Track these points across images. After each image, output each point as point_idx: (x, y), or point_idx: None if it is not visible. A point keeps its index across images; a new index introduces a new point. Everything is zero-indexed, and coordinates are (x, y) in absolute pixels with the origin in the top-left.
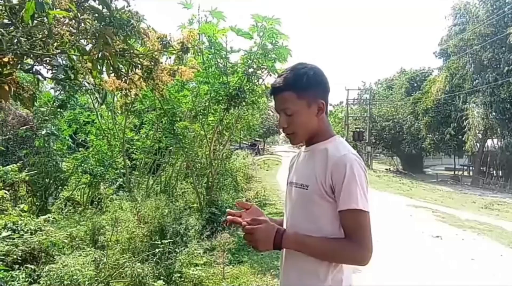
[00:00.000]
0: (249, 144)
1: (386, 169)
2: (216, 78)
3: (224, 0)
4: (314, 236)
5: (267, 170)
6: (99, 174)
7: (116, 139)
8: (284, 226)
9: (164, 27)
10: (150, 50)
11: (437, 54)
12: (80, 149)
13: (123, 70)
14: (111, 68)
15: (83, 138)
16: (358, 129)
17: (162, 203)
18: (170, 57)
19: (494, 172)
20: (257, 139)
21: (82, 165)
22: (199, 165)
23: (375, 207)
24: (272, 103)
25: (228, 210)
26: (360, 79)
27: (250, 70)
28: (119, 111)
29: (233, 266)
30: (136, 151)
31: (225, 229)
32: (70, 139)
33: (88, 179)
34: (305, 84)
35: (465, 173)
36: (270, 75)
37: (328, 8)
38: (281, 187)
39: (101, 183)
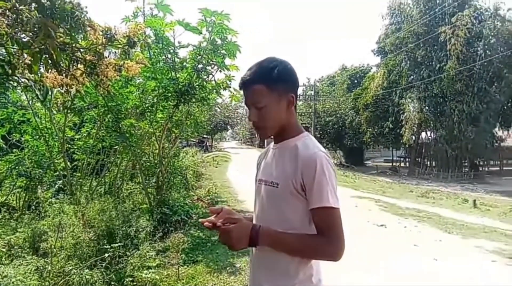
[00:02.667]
0: (197, 141)
1: None
2: (164, 74)
3: None
4: (287, 232)
5: (216, 167)
6: (36, 177)
7: (54, 139)
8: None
9: (106, 21)
10: (93, 44)
11: (375, 52)
12: (14, 150)
13: (64, 65)
14: (50, 63)
15: (17, 139)
16: (304, 125)
17: (109, 205)
18: (115, 52)
19: (428, 162)
20: (205, 136)
21: (17, 167)
22: (148, 163)
23: None
24: (221, 100)
25: (201, 220)
26: (305, 76)
27: (200, 66)
28: (57, 109)
29: (187, 266)
30: (77, 151)
31: (178, 229)
32: (2, 140)
33: (24, 182)
34: (276, 77)
35: (402, 164)
36: (220, 71)
37: (270, 4)
38: (231, 184)
39: (39, 186)
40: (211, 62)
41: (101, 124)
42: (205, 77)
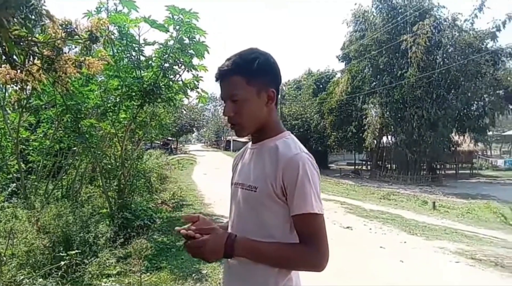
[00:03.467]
0: (161, 143)
1: None
2: (128, 72)
3: None
4: (266, 241)
5: (181, 170)
6: None
7: (8, 140)
8: (229, 231)
9: (66, 16)
10: (52, 38)
11: (340, 58)
12: None
13: (19, 60)
14: (3, 57)
15: None
16: None
17: (67, 209)
18: (75, 47)
19: (389, 165)
20: (170, 138)
21: None
22: (109, 166)
23: None
24: (187, 101)
25: (176, 228)
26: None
27: (166, 65)
28: (12, 108)
29: (150, 273)
30: (32, 153)
31: (140, 234)
32: None
33: None
34: (256, 70)
35: (364, 167)
36: (188, 71)
37: (240, 8)
38: (197, 187)
39: None
40: (178, 61)
41: (59, 125)
42: (171, 77)
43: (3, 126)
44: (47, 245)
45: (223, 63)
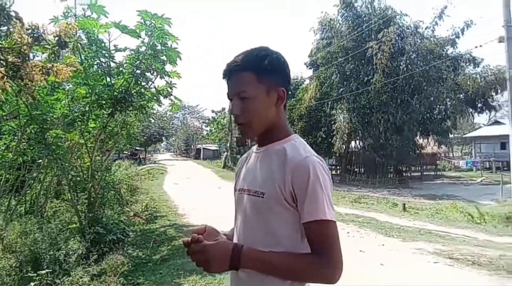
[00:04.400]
0: (129, 153)
1: None
2: (98, 79)
3: None
4: (275, 251)
5: (152, 180)
6: None
7: None
8: (235, 240)
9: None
10: (17, 43)
11: (308, 65)
12: None
13: None
14: None
15: None
16: (241, 135)
17: (34, 226)
18: (42, 54)
19: (358, 169)
20: (138, 148)
21: None
22: (78, 178)
23: None
24: (159, 109)
25: (183, 240)
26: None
27: (138, 71)
28: None
29: None
30: None
31: (114, 250)
32: None
33: None
34: (266, 67)
35: (334, 172)
36: (161, 78)
37: (202, 12)
38: (170, 197)
39: None
40: (150, 68)
41: (22, 136)
42: (144, 84)
43: None
44: (14, 265)
45: (233, 59)
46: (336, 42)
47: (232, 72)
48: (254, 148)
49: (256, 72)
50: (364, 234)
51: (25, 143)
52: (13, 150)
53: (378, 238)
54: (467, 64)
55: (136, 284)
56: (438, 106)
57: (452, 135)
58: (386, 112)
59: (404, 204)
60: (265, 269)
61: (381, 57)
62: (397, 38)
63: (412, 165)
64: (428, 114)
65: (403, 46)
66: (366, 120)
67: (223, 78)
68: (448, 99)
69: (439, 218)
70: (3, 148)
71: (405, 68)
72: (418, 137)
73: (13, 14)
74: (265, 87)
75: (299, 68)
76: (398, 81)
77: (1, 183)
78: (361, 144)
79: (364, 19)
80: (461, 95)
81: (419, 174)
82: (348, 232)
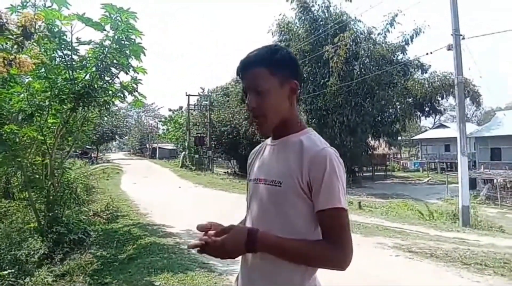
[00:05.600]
0: (80, 152)
1: (225, 172)
2: (59, 73)
3: None
4: (290, 237)
5: (107, 180)
6: None
7: None
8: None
9: None
10: None
11: None
12: None
13: None
14: None
15: None
16: (199, 135)
17: None
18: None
19: None
20: (89, 147)
21: None
22: (36, 176)
23: (231, 206)
24: (122, 105)
25: (189, 244)
26: (199, 85)
27: (102, 66)
28: None
29: None
30: None
31: (75, 249)
32: None
33: None
34: (278, 61)
35: None
36: (126, 73)
37: (165, 12)
38: (129, 197)
39: None
40: (115, 62)
41: None
42: (108, 79)
43: None
44: None
45: (245, 56)
46: (294, 44)
47: (246, 68)
48: (268, 140)
49: (268, 66)
50: None
51: None
52: None
53: (354, 238)
54: (416, 70)
55: (103, 283)
56: (389, 109)
57: (401, 138)
58: (341, 114)
59: (359, 202)
60: (279, 252)
61: (337, 61)
62: (352, 43)
63: (364, 166)
64: (379, 117)
65: (358, 51)
66: (323, 121)
67: (237, 74)
68: (398, 103)
69: (392, 215)
70: None
71: (359, 72)
72: (370, 139)
73: None
74: (278, 80)
75: None
76: (353, 85)
77: None
78: None
79: (321, 23)
80: (410, 100)
81: (371, 174)
82: None
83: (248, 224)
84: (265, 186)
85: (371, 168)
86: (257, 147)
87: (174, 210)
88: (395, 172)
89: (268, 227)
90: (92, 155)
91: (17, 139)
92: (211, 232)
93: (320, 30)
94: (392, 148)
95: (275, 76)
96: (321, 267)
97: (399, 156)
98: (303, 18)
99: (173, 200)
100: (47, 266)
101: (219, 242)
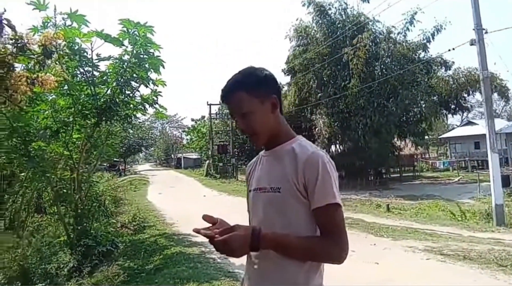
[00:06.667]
0: (108, 165)
1: None
2: (81, 89)
3: (86, 3)
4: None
5: (134, 191)
6: None
7: None
8: None
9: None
10: (1, 53)
11: (286, 72)
12: None
13: None
14: None
15: None
16: (222, 143)
17: (22, 241)
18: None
19: (339, 173)
20: (116, 159)
21: None
22: (64, 190)
23: None
24: (144, 118)
25: (194, 228)
26: (220, 93)
27: (122, 80)
28: None
29: None
30: None
31: (104, 261)
32: None
33: None
34: (254, 82)
35: None
36: (146, 86)
37: (185, 22)
38: (156, 207)
39: None
40: (135, 76)
41: (1, 150)
42: (128, 92)
43: None
44: (2, 281)
45: (224, 85)
46: (312, 48)
47: (227, 95)
48: (263, 152)
49: (245, 89)
50: (354, 235)
51: (3, 156)
52: None
53: (369, 238)
54: (439, 67)
55: None
56: (413, 108)
57: (428, 137)
58: (364, 116)
59: (388, 205)
60: (281, 249)
61: (356, 62)
62: (371, 43)
63: (391, 167)
64: (404, 117)
65: (378, 51)
66: (345, 124)
67: (222, 102)
68: (422, 102)
69: (422, 217)
70: None
71: (380, 73)
72: (395, 139)
73: (5, 22)
74: (258, 99)
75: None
76: (374, 85)
77: None
78: (341, 148)
79: (338, 25)
80: (435, 98)
81: (398, 175)
82: None
83: None
84: (266, 194)
85: (398, 169)
86: (254, 159)
87: (199, 219)
88: (423, 172)
89: (271, 230)
90: (120, 167)
91: (45, 156)
92: (216, 230)
93: (338, 33)
94: (419, 147)
95: (255, 97)
96: (320, 261)
97: (427, 156)
98: (320, 22)
99: (199, 209)
100: (76, 279)
101: (223, 240)
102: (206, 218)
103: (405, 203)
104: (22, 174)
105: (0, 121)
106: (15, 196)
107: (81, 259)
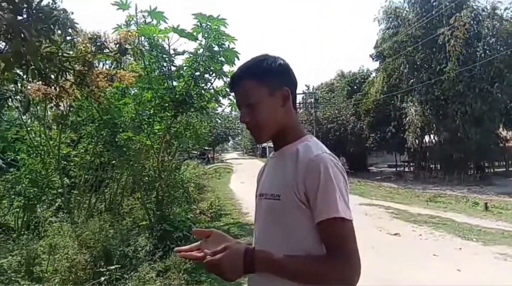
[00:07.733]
0: (198, 153)
1: None
2: (160, 83)
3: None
4: (290, 254)
5: (219, 179)
6: (33, 196)
7: (50, 157)
8: (254, 245)
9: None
10: (82, 52)
11: (374, 57)
12: (11, 169)
13: (52, 76)
14: (36, 72)
15: (11, 158)
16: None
17: (107, 223)
18: (108, 62)
19: (433, 166)
20: (206, 148)
21: (15, 187)
22: (147, 178)
23: None
24: (220, 110)
25: (176, 248)
26: (304, 83)
27: (197, 73)
28: (54, 126)
29: None
30: (74, 168)
31: (179, 246)
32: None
33: (22, 201)
34: (266, 70)
35: (406, 169)
36: (219, 78)
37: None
38: (235, 195)
39: (38, 205)
40: (209, 69)
41: (98, 139)
42: (203, 85)
43: (45, 143)
44: (88, 260)
45: (235, 71)
46: (404, 30)
47: (235, 83)
48: (272, 154)
49: (256, 77)
50: (438, 237)
51: (100, 146)
52: (90, 152)
53: (455, 241)
54: None
55: (199, 281)
56: None
57: None
58: (462, 103)
59: (486, 203)
60: (280, 272)
61: (454, 44)
62: (471, 22)
63: (495, 160)
64: (511, 104)
65: (479, 31)
66: (441, 112)
67: (230, 91)
68: None
69: None
70: (82, 151)
71: (482, 54)
72: (501, 129)
73: (68, 24)
74: (267, 89)
75: (362, 62)
76: (475, 69)
77: (82, 183)
78: (436, 138)
79: (434, 4)
80: None
81: (504, 169)
82: (420, 234)
83: (254, 240)
84: (266, 201)
85: (504, 163)
86: (266, 160)
87: None
88: None
89: (270, 242)
90: (209, 156)
91: (131, 145)
92: (207, 251)
93: (433, 12)
94: None
95: (264, 86)
96: (326, 284)
97: None
98: (413, 1)
99: None
100: (148, 262)
101: (215, 260)
102: (196, 233)
103: (509, 201)
104: (113, 162)
105: (94, 114)
106: (112, 180)
107: (157, 243)
